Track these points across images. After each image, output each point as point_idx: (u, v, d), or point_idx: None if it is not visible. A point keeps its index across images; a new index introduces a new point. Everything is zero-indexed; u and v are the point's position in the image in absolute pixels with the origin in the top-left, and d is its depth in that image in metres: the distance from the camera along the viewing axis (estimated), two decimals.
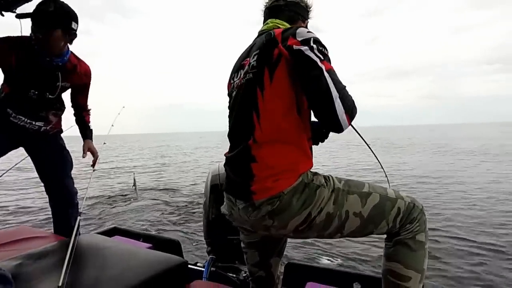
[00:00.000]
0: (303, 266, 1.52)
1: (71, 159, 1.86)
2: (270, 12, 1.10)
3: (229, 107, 1.08)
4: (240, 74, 1.01)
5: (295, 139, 0.92)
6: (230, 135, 1.03)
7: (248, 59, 1.00)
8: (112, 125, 2.20)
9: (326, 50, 0.90)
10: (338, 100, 0.81)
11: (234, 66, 1.10)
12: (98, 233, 1.79)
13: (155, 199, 6.27)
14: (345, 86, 0.85)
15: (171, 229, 4.38)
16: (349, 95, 0.86)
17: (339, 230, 0.93)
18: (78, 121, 1.94)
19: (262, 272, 1.15)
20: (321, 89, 0.82)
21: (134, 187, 6.30)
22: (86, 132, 1.93)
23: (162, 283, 1.07)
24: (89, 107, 1.96)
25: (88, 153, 1.87)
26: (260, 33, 1.06)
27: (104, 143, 2.14)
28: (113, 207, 5.70)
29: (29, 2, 1.50)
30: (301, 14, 1.10)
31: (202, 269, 1.61)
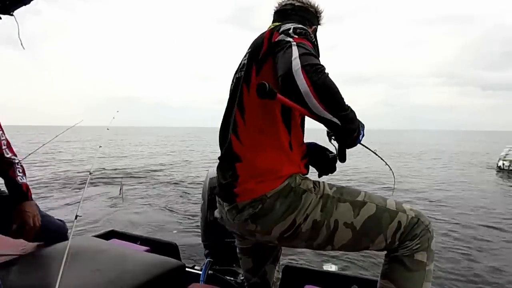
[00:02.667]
0: (300, 269, 1.51)
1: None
2: (277, 16, 1.06)
3: None
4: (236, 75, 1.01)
5: (281, 139, 0.87)
6: (219, 136, 1.01)
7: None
8: (108, 129, 2.18)
9: (304, 30, 0.84)
10: (300, 72, 0.71)
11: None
12: (95, 236, 1.77)
13: (151, 202, 6.24)
14: (318, 64, 0.74)
15: (168, 231, 4.36)
16: (323, 73, 0.72)
17: (329, 241, 0.85)
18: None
19: (257, 278, 1.13)
20: (283, 60, 0.75)
21: (120, 193, 6.25)
22: (13, 191, 1.32)
23: (160, 286, 1.06)
24: (15, 159, 1.37)
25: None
26: None
27: (100, 147, 2.13)
28: (110, 210, 5.66)
29: (27, 5, 1.50)
30: (308, 19, 1.04)
31: (200, 272, 1.60)
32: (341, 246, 0.86)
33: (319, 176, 1.04)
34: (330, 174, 1.02)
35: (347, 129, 0.77)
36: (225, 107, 1.03)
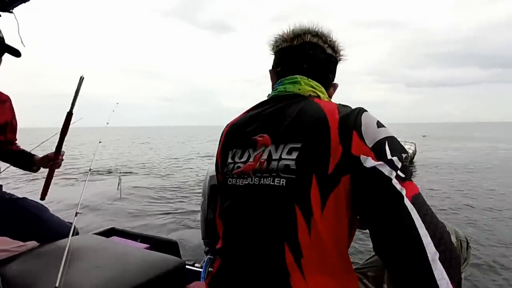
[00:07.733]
0: None
1: (31, 203, 1.50)
2: (294, 58, 0.75)
3: (229, 205, 0.77)
4: (250, 157, 0.70)
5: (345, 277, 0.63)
6: (242, 247, 0.71)
7: (266, 136, 0.68)
8: (107, 123, 2.17)
9: (407, 156, 0.60)
10: (439, 264, 0.50)
11: (234, 136, 0.78)
12: (95, 233, 1.77)
13: (151, 200, 6.25)
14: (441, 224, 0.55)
15: (169, 229, 4.36)
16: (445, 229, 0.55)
17: None
18: (8, 157, 1.56)
19: None
20: (400, 228, 0.53)
21: (118, 187, 6.09)
22: (25, 158, 1.57)
23: (160, 284, 1.06)
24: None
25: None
26: (285, 95, 0.72)
27: (100, 142, 2.12)
28: (111, 208, 5.67)
29: (27, 2, 1.49)
30: (334, 71, 0.80)
31: (200, 269, 1.60)
32: None
33: None
34: None
35: None
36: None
